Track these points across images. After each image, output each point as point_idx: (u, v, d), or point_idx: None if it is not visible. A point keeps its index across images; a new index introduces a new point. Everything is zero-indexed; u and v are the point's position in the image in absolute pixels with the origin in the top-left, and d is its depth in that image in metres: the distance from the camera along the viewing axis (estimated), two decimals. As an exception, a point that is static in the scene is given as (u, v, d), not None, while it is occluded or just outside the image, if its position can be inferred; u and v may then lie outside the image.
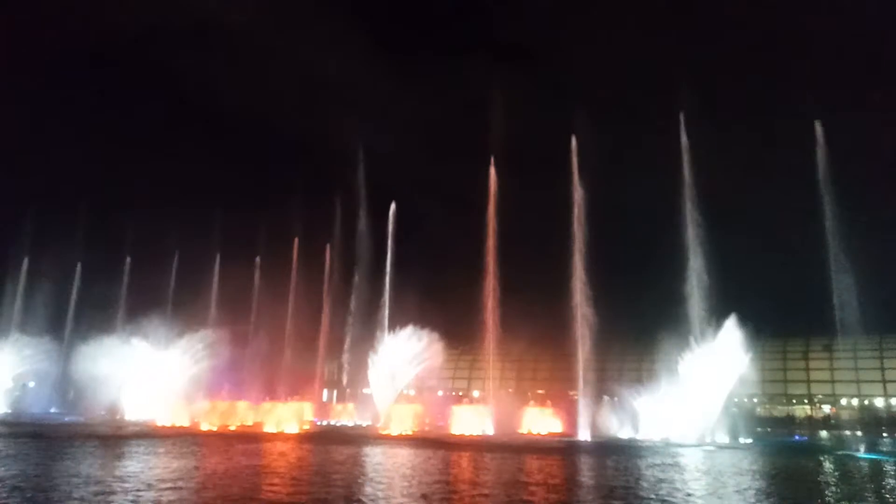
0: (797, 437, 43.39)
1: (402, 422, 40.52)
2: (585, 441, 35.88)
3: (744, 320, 36.90)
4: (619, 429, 39.08)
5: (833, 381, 60.97)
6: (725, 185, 41.01)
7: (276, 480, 17.42)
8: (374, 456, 25.15)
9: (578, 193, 44.03)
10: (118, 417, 47.39)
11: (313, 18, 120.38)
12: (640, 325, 42.53)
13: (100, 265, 65.91)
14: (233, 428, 39.93)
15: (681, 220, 40.92)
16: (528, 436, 39.39)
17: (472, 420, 40.13)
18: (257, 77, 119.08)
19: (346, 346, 59.40)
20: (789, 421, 55.69)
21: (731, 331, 36.82)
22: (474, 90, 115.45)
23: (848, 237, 36.19)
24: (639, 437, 37.00)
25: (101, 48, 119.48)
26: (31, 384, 62.23)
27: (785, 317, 56.52)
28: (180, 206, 67.75)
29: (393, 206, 58.21)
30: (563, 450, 30.23)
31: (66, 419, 44.70)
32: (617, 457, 26.38)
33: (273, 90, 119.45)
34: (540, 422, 43.30)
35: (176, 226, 66.36)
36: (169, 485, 15.70)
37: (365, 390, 52.94)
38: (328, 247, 63.00)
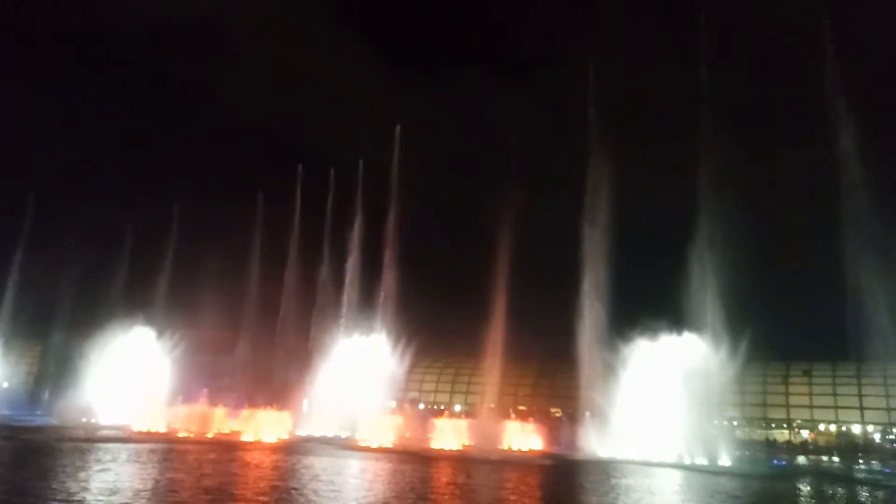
0: (776, 461, 43.56)
1: (381, 434, 39.84)
2: (566, 459, 35.75)
3: (727, 342, 37.24)
4: (599, 447, 39.01)
5: (812, 407, 61.54)
6: (728, 205, 41.31)
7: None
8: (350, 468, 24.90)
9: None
10: (92, 421, 46.27)
11: (317, 25, 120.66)
12: (622, 343, 42.62)
13: (90, 264, 64.84)
14: (209, 435, 39.21)
15: (683, 243, 41.44)
16: (507, 452, 39.02)
17: (452, 434, 39.53)
18: (258, 82, 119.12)
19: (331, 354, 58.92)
20: (769, 445, 55.98)
21: (713, 353, 37.12)
22: (478, 103, 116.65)
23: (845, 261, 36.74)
24: (619, 456, 36.95)
25: (99, 48, 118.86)
26: (5, 385, 61.00)
27: (767, 340, 56.89)
28: (174, 207, 66.57)
29: (390, 219, 58.00)
30: (542, 468, 30.12)
31: (38, 422, 43.68)
32: (590, 476, 26.34)
33: (273, 95, 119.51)
34: (521, 438, 42.83)
35: (169, 227, 65.62)
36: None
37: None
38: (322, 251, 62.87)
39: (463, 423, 42.22)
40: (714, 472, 31.71)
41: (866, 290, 38.47)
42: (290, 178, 68.21)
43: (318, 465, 24.95)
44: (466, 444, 38.76)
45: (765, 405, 61.64)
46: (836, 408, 60.20)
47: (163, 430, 39.98)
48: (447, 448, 36.97)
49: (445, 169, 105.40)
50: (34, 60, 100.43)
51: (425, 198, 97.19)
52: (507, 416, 52.17)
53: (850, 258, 39.33)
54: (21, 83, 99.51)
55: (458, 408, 73.07)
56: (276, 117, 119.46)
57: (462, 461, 30.09)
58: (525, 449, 40.26)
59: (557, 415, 63.21)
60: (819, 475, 34.65)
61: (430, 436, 39.72)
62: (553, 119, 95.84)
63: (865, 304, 38.36)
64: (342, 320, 57.97)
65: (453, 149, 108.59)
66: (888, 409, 58.25)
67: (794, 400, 62.23)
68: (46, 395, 55.56)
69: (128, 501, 14.60)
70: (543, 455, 37.58)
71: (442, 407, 73.04)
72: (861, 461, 45.54)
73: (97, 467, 20.44)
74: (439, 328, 63.37)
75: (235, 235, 66.16)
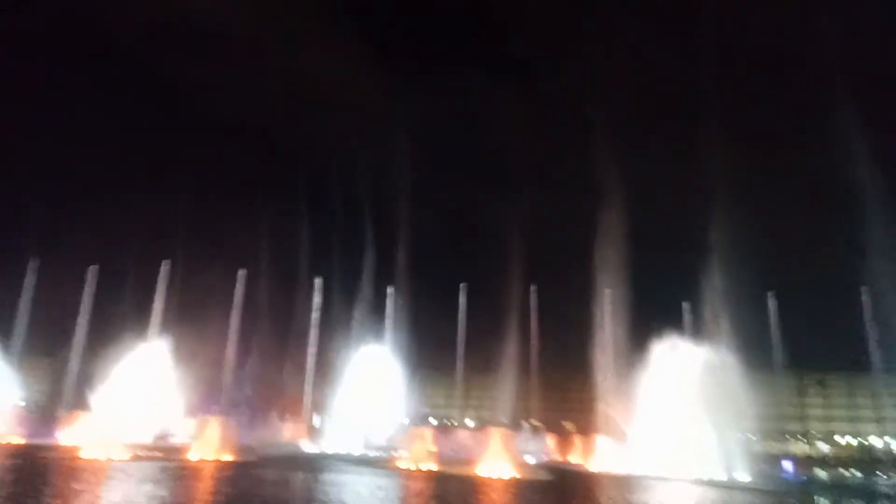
0: (794, 475, 42.78)
1: (421, 454, 34.97)
2: (586, 472, 35.33)
3: (743, 354, 36.96)
4: (615, 462, 38.57)
5: (829, 420, 60.76)
6: (738, 212, 41.00)
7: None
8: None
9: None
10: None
11: (317, 25, 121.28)
12: (635, 358, 42.29)
13: (99, 280, 64.84)
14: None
15: (684, 253, 41.11)
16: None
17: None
18: (254, 83, 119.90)
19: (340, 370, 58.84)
20: (788, 458, 55.11)
21: (729, 365, 36.77)
22: (478, 103, 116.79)
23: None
24: (635, 471, 36.51)
25: (99, 50, 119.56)
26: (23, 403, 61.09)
27: (782, 351, 56.23)
28: (174, 212, 66.41)
29: (400, 232, 58.13)
30: (551, 484, 29.77)
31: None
32: (606, 492, 26.02)
33: (271, 97, 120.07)
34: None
35: (169, 232, 65.77)
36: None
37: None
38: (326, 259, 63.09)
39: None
40: (731, 487, 31.25)
41: (882, 300, 38.13)
42: (291, 180, 68.40)
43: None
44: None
45: (781, 417, 60.93)
46: (854, 420, 59.40)
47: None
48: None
49: (445, 169, 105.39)
50: (34, 60, 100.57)
51: (427, 200, 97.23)
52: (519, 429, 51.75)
53: (865, 267, 39.04)
54: (21, 83, 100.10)
55: (468, 422, 72.69)
56: (276, 118, 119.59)
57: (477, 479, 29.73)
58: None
59: (570, 429, 62.68)
60: (839, 489, 34.05)
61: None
62: (553, 119, 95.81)
63: (881, 314, 38.03)
64: (352, 335, 58.01)
65: (453, 149, 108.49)
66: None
67: (811, 412, 61.47)
68: (62, 414, 55.56)
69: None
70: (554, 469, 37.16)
71: (454, 422, 72.72)
72: (882, 474, 44.74)
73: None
74: (449, 342, 63.22)
75: (241, 248, 66.10)
